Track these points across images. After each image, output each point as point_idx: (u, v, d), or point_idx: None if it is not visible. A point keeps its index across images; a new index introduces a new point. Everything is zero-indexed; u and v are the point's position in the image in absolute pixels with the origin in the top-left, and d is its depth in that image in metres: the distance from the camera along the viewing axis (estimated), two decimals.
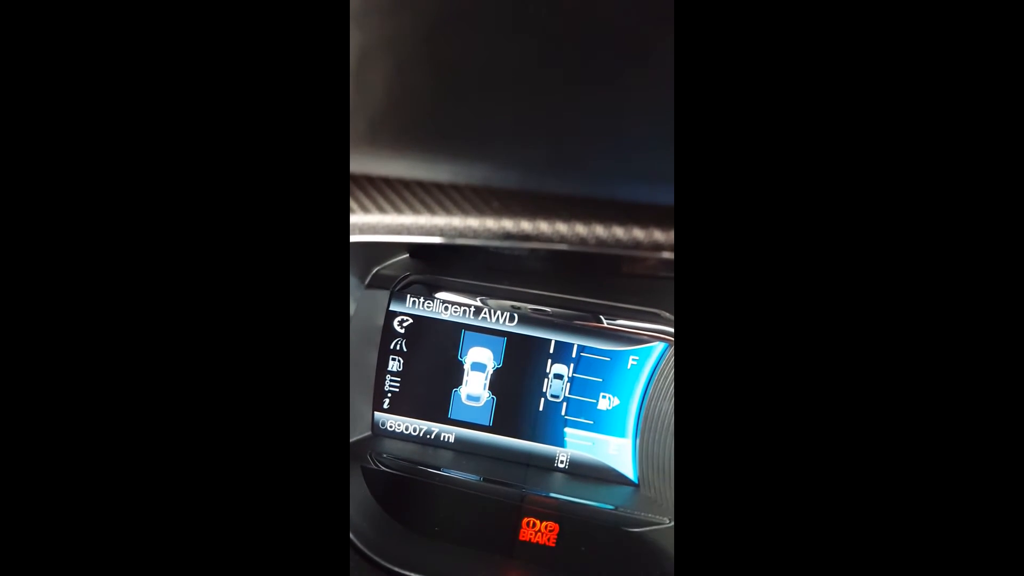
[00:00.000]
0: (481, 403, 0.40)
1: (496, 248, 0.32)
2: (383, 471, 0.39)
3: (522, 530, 0.38)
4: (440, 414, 0.40)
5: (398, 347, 0.40)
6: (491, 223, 0.25)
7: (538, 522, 0.38)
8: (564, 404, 0.39)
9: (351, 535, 0.37)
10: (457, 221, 0.25)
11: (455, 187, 0.25)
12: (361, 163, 0.23)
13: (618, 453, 0.39)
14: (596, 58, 0.17)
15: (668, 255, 0.24)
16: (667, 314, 0.37)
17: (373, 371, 0.40)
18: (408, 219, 0.26)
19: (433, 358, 0.40)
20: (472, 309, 0.40)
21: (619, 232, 0.25)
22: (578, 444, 0.39)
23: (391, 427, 0.41)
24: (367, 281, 0.40)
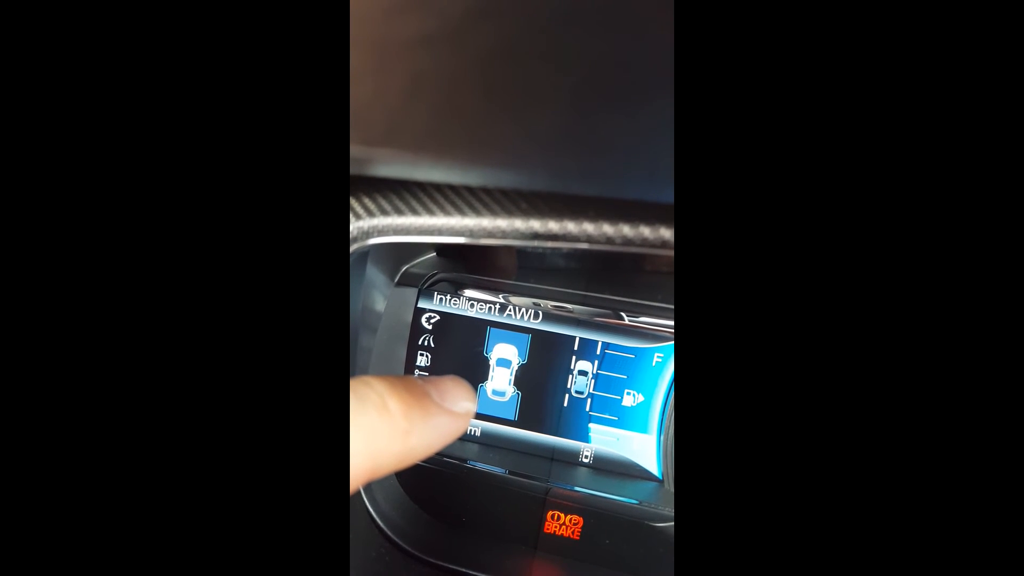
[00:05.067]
0: (506, 398, 0.41)
1: (521, 247, 0.33)
2: None
3: (547, 523, 0.38)
4: None
5: (426, 343, 0.41)
6: (519, 223, 0.26)
7: (562, 515, 0.38)
8: (588, 400, 0.40)
9: (382, 524, 0.38)
10: (486, 222, 0.26)
11: (485, 190, 0.26)
12: (403, 171, 0.24)
13: (642, 449, 0.39)
14: (624, 74, 0.17)
15: None
16: None
17: (402, 366, 0.41)
18: (440, 220, 0.26)
19: (459, 353, 0.41)
20: (497, 306, 0.40)
21: (646, 231, 0.25)
22: (602, 440, 0.40)
23: None
24: (396, 279, 0.41)
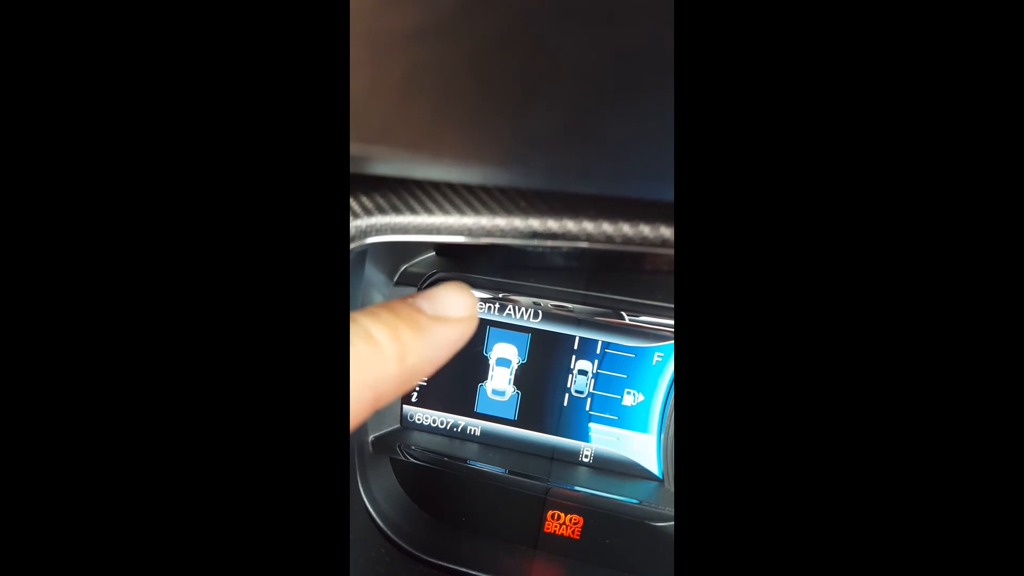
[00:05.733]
0: (506, 397, 0.41)
1: (521, 246, 0.33)
2: (411, 463, 0.40)
3: (547, 522, 0.38)
4: (466, 408, 0.41)
5: None
6: (518, 222, 0.26)
7: (563, 515, 0.38)
8: (588, 400, 0.40)
9: (382, 524, 0.38)
10: (485, 220, 0.26)
11: (484, 188, 0.26)
12: (400, 169, 0.24)
13: (642, 448, 0.39)
14: (624, 71, 0.17)
15: None
16: None
17: None
18: (439, 219, 0.26)
19: (459, 353, 0.41)
20: (497, 305, 0.40)
21: (646, 230, 0.25)
22: (603, 439, 0.40)
23: (419, 420, 0.42)
24: (395, 279, 0.41)
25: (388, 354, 0.20)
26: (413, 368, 0.21)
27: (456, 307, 0.22)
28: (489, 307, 0.40)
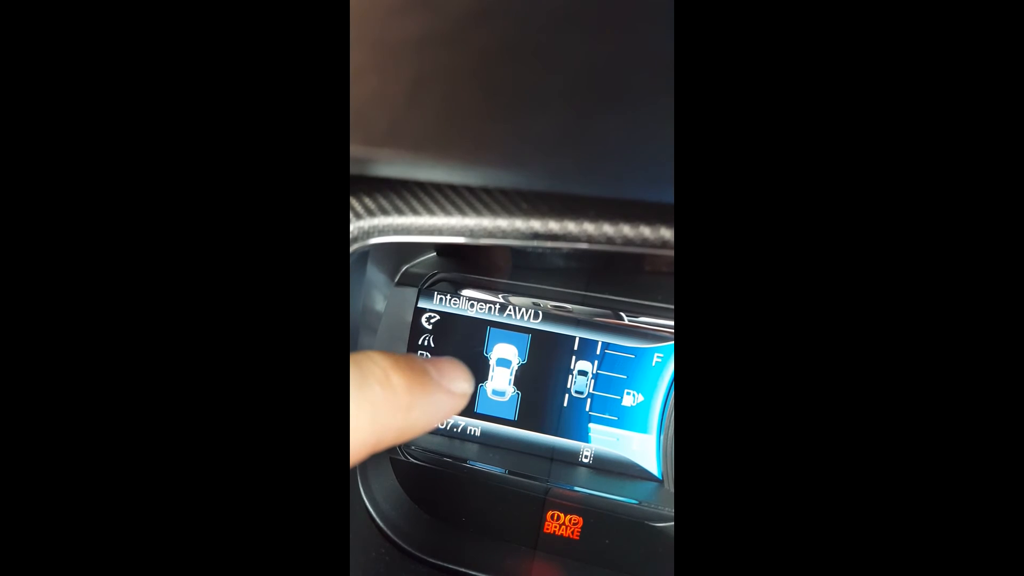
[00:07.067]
0: (506, 398, 0.41)
1: (521, 247, 0.33)
2: (411, 463, 0.40)
3: (546, 523, 0.38)
4: (466, 408, 0.41)
5: (426, 343, 0.41)
6: (519, 223, 0.26)
7: (562, 515, 0.38)
8: (588, 400, 0.40)
9: (382, 524, 0.38)
10: (487, 222, 0.26)
11: (485, 190, 0.26)
12: (403, 171, 0.24)
13: (642, 449, 0.39)
14: (625, 74, 0.17)
15: None
16: None
17: None
18: (440, 220, 0.26)
19: (459, 353, 0.41)
20: (497, 306, 0.40)
21: (646, 231, 0.25)
22: (602, 440, 0.40)
23: None
24: (396, 279, 0.41)
25: (399, 403, 0.21)
26: (413, 423, 0.22)
27: (457, 382, 0.24)
28: (489, 308, 0.40)
